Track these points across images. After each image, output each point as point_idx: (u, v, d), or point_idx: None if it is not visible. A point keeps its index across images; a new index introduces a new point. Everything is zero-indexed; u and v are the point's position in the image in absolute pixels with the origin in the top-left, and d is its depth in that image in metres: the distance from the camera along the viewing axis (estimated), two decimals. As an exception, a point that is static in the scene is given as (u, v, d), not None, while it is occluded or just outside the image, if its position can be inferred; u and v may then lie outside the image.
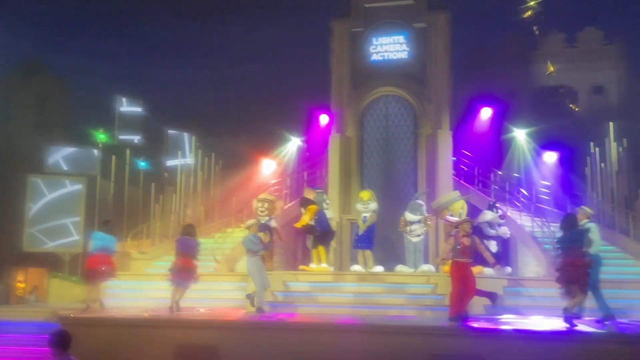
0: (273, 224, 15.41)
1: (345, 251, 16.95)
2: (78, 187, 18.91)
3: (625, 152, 19.60)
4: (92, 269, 13.26)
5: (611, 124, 20.16)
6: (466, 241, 10.79)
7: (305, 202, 15.33)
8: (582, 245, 10.68)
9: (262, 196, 16.24)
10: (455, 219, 13.12)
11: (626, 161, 19.54)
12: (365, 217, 15.42)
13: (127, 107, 21.08)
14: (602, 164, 19.21)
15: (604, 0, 35.88)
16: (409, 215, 15.29)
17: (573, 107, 27.37)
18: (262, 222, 14.88)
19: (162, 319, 11.28)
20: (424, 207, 15.50)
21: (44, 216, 18.60)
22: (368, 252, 15.26)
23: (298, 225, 15.31)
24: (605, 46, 27.24)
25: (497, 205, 15.41)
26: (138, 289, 15.13)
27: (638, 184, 18.59)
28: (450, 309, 10.82)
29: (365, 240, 15.24)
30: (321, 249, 15.33)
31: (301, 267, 15.42)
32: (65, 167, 19.42)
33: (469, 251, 10.84)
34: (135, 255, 17.60)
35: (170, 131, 22.28)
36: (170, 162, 21.70)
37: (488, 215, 14.91)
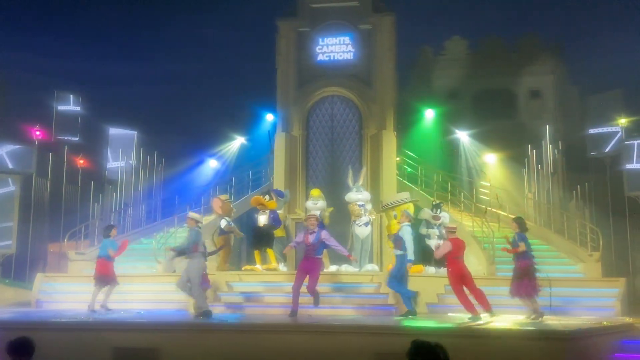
0: (223, 224, 15.26)
1: (290, 251, 16.86)
2: (12, 188, 18.14)
3: (561, 154, 20.36)
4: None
5: (547, 127, 20.91)
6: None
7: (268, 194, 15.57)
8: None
9: (226, 197, 16.07)
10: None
11: (561, 163, 20.29)
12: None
13: (65, 104, 20.31)
14: (539, 166, 19.89)
15: (542, 7, 37.20)
16: (350, 196, 15.36)
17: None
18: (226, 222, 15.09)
19: (99, 322, 10.95)
20: (365, 192, 15.59)
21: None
22: (324, 251, 15.25)
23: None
24: (542, 52, 28.18)
25: (440, 206, 15.67)
26: (75, 291, 14.64)
27: (572, 185, 19.33)
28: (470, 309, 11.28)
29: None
30: (270, 251, 15.25)
31: (246, 267, 15.26)
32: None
33: None
34: (72, 256, 17.04)
35: (111, 129, 21.67)
36: (111, 164, 21.05)
37: (425, 214, 15.18)
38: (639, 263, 18.96)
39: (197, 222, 12.33)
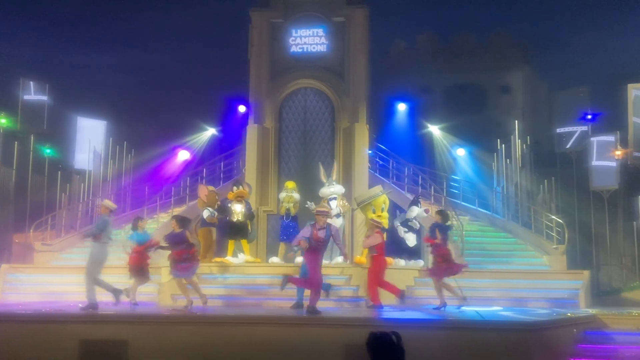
0: (206, 214, 15.19)
1: (261, 243, 16.87)
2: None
3: (529, 149, 20.70)
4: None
5: (516, 122, 21.23)
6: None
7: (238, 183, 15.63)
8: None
9: (213, 188, 15.93)
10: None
11: (529, 158, 20.64)
12: (287, 208, 15.44)
13: (32, 92, 19.81)
14: (508, 160, 20.20)
15: (514, 5, 37.67)
16: (322, 191, 15.41)
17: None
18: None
19: (65, 314, 10.78)
20: (337, 185, 15.62)
21: None
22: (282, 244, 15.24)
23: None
24: (512, 49, 28.58)
25: (419, 200, 15.85)
26: (42, 282, 14.40)
27: (540, 179, 19.68)
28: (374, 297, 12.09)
29: (293, 232, 14.95)
30: (244, 241, 15.23)
31: (216, 259, 15.17)
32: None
33: None
34: (38, 247, 16.74)
35: (79, 118, 21.27)
36: (79, 155, 20.66)
37: (415, 212, 15.26)
38: (603, 256, 19.44)
39: (110, 210, 12.20)
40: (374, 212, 15.21)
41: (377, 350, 4.18)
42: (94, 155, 20.45)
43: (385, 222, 15.15)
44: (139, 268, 12.84)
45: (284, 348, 9.56)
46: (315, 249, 11.25)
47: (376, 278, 12.58)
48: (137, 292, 12.74)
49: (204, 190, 15.65)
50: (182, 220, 12.61)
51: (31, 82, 19.85)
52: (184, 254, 12.25)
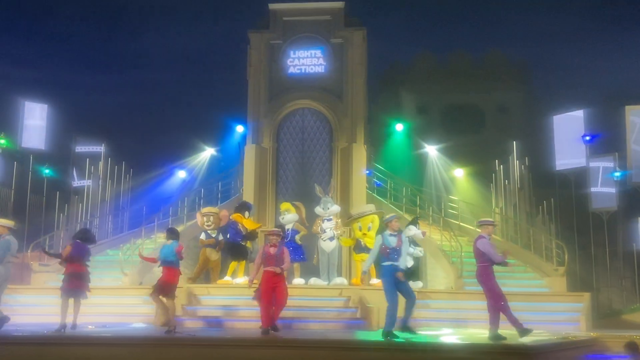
0: (203, 236, 15.32)
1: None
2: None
3: (527, 170, 20.70)
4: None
5: (515, 142, 21.26)
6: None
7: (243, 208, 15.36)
8: None
9: (206, 210, 15.86)
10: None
11: (528, 178, 20.62)
12: (287, 229, 15.25)
13: (32, 113, 19.88)
14: (506, 181, 20.19)
15: (509, 26, 38.07)
16: (317, 210, 15.35)
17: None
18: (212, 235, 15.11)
19: (63, 336, 10.67)
20: (334, 206, 15.48)
21: None
22: (296, 264, 14.95)
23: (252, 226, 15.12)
24: (509, 68, 28.74)
25: (418, 221, 15.64)
26: (39, 303, 14.28)
27: (539, 201, 19.64)
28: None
29: (295, 252, 14.62)
30: (243, 263, 15.18)
31: (219, 281, 15.08)
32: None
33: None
34: (36, 268, 16.64)
35: (78, 137, 21.32)
36: (77, 183, 20.71)
37: (412, 231, 15.10)
38: (603, 278, 19.32)
39: (9, 229, 11.61)
40: (360, 230, 15.08)
41: None
42: (91, 184, 20.46)
43: (369, 242, 14.83)
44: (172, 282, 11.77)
45: (282, 371, 9.45)
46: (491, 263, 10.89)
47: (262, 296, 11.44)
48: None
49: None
50: (84, 233, 11.77)
51: (30, 103, 19.90)
52: (84, 268, 11.56)
